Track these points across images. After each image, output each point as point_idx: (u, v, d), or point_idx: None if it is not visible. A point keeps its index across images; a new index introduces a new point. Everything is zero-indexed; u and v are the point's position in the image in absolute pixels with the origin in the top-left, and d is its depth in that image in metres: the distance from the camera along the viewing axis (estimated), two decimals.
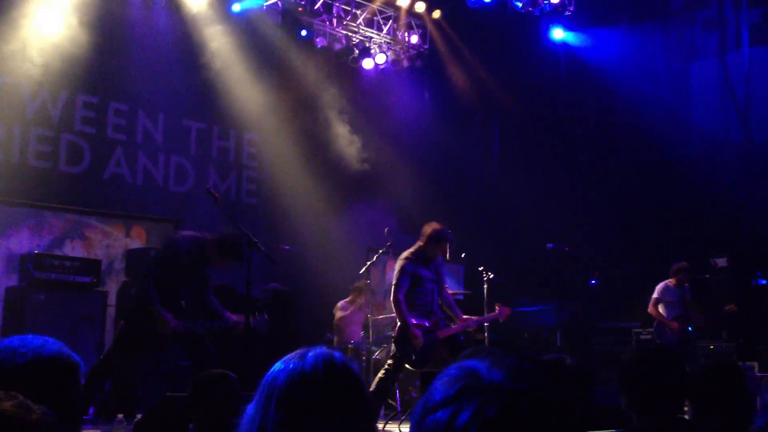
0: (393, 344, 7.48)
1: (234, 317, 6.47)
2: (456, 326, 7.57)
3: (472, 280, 10.48)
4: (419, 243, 7.43)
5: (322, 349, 1.75)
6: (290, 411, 1.66)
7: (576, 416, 2.23)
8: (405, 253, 7.46)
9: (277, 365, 1.74)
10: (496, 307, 7.89)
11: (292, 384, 1.68)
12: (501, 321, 8.07)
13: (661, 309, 9.83)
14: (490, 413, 1.14)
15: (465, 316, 7.63)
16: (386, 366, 7.45)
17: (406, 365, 7.37)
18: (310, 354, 1.73)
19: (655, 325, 9.85)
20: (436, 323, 7.44)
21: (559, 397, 1.21)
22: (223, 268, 6.62)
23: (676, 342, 9.50)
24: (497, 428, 1.14)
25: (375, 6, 11.73)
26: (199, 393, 3.93)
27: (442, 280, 7.64)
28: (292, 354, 1.75)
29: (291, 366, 1.71)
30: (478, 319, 7.78)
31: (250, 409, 1.72)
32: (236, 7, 10.76)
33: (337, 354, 1.77)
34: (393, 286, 7.32)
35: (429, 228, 7.42)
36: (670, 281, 9.88)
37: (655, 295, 9.86)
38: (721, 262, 11.26)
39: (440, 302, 7.62)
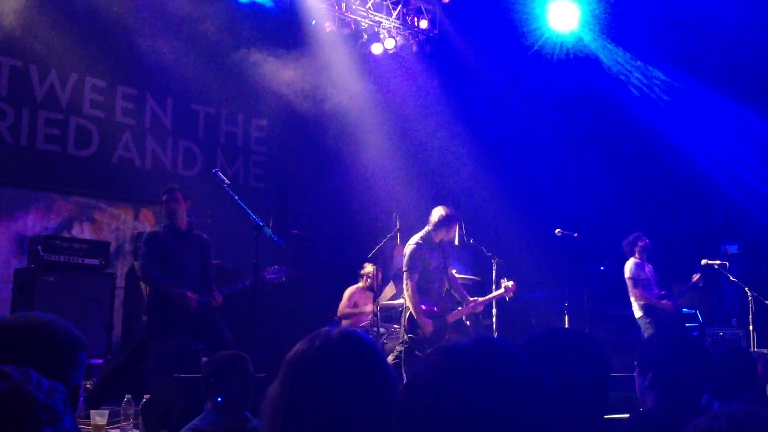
0: (402, 331, 7.44)
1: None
2: (464, 309, 7.51)
3: (480, 265, 10.45)
4: (427, 227, 7.37)
5: (337, 326, 1.80)
6: (310, 384, 1.71)
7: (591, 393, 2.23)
8: (414, 238, 7.37)
9: (297, 345, 1.80)
10: (503, 284, 7.75)
11: (310, 357, 1.73)
12: (507, 299, 7.85)
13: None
14: None
15: (472, 298, 7.58)
16: (395, 353, 7.41)
17: (416, 352, 7.31)
18: (325, 330, 1.81)
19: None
20: (444, 308, 7.39)
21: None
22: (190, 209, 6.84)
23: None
24: None
25: None
26: (213, 374, 3.98)
27: (449, 263, 7.58)
28: (310, 334, 1.82)
29: (308, 343, 1.78)
30: (484, 299, 7.71)
31: (273, 389, 1.75)
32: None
33: (351, 329, 1.81)
34: (405, 272, 7.24)
35: (438, 212, 7.35)
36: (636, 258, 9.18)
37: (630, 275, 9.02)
38: (733, 249, 11.19)
39: (446, 285, 7.58)
